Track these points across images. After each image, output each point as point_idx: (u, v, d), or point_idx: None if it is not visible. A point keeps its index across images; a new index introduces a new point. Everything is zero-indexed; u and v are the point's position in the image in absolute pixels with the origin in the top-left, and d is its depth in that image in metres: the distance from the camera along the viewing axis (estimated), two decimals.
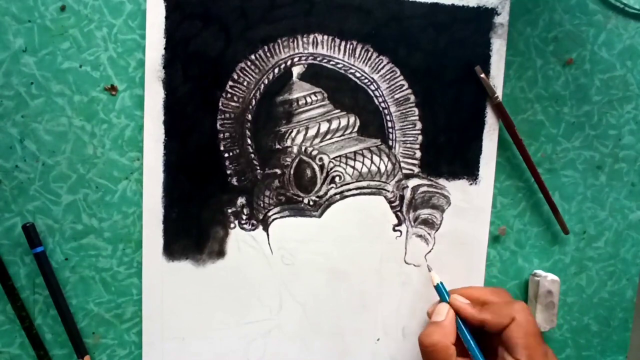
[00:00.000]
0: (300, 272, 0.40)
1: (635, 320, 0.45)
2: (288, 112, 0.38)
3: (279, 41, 0.38)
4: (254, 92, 0.38)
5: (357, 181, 0.39)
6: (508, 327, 0.33)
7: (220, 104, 0.38)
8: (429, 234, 0.41)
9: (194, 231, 0.39)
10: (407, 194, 0.40)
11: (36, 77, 0.37)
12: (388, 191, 0.40)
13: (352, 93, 0.39)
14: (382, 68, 0.39)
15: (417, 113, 0.39)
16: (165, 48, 0.37)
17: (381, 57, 0.39)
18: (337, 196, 0.39)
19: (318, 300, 0.40)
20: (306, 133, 0.39)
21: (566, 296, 0.43)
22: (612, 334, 0.44)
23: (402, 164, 0.40)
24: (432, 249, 0.41)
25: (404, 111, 0.39)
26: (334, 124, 0.39)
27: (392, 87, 0.39)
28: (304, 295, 0.40)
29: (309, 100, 0.38)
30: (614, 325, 0.44)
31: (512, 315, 0.34)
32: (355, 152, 0.39)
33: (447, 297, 0.37)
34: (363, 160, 0.39)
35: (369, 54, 0.38)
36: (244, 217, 0.39)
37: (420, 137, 0.40)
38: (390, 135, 0.39)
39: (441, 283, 0.38)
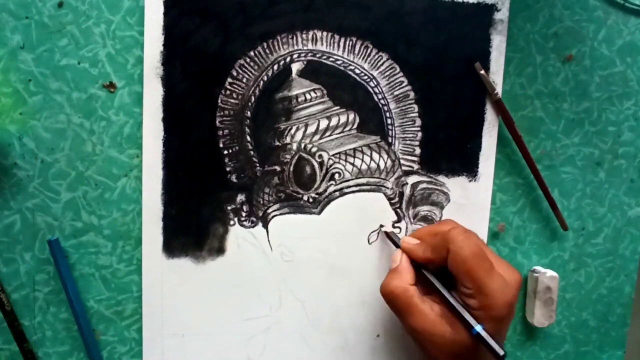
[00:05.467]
0: (299, 269, 0.40)
1: (633, 316, 0.45)
2: (287, 109, 0.38)
3: (278, 37, 0.37)
4: (253, 88, 0.38)
5: (356, 178, 0.39)
6: (448, 259, 0.33)
7: (219, 101, 0.38)
8: None
9: (193, 228, 0.39)
10: (407, 190, 0.40)
11: (34, 74, 0.36)
12: (387, 188, 0.40)
13: (351, 90, 0.39)
14: (382, 64, 0.39)
15: (416, 110, 0.39)
16: (163, 45, 0.37)
17: (381, 53, 0.38)
18: (337, 193, 0.39)
19: (318, 296, 0.40)
20: (305, 130, 0.38)
21: (565, 292, 0.43)
22: (610, 330, 0.44)
23: (402, 161, 0.40)
24: None
25: (403, 108, 0.39)
26: (334, 121, 0.39)
27: (392, 83, 0.39)
28: (303, 292, 0.40)
29: (308, 97, 0.38)
30: (612, 321, 0.44)
31: (447, 246, 0.33)
32: (354, 149, 0.39)
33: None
34: (362, 157, 0.39)
35: (369, 51, 0.38)
36: (244, 214, 0.39)
37: (419, 134, 0.40)
38: (390, 132, 0.39)
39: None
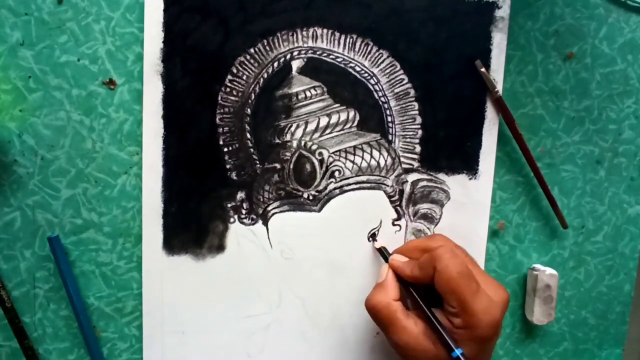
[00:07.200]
0: (299, 267, 0.40)
1: (632, 314, 0.45)
2: (287, 107, 0.38)
3: (279, 35, 0.37)
4: (253, 86, 0.38)
5: (356, 176, 0.39)
6: (434, 278, 0.33)
7: (219, 98, 0.38)
8: (428, 228, 0.41)
9: (193, 226, 0.39)
10: (407, 188, 0.40)
11: (34, 71, 0.36)
12: (387, 186, 0.40)
13: (351, 87, 0.39)
14: (382, 62, 0.38)
15: (416, 107, 0.39)
16: (163, 42, 0.36)
17: (381, 51, 0.38)
18: (337, 191, 0.39)
19: (317, 294, 0.40)
20: (306, 127, 0.38)
21: (564, 290, 0.44)
22: (610, 328, 0.45)
23: (402, 159, 0.40)
24: None
25: (403, 105, 0.39)
26: (334, 118, 0.39)
27: (392, 81, 0.39)
28: (303, 290, 0.40)
29: (308, 94, 0.38)
30: (611, 319, 0.44)
31: (433, 265, 0.33)
32: (354, 147, 0.39)
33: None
34: (363, 154, 0.39)
35: (369, 48, 0.38)
36: (244, 211, 0.39)
37: (419, 132, 0.40)
38: (390, 130, 0.39)
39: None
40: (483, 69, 0.39)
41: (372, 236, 0.40)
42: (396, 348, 0.34)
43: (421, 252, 0.36)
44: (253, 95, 0.38)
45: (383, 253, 0.38)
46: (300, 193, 0.39)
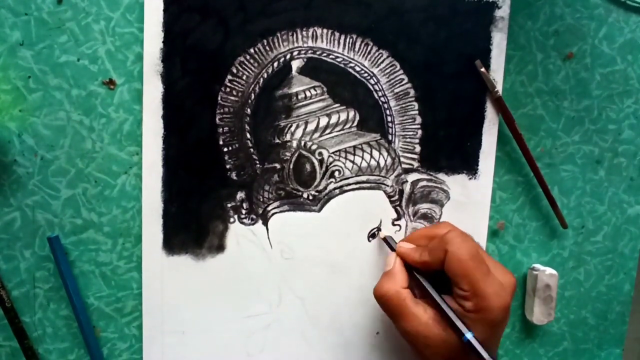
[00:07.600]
0: (299, 267, 0.40)
1: (632, 313, 0.45)
2: (287, 107, 0.38)
3: (278, 35, 0.37)
4: (253, 86, 0.38)
5: (356, 175, 0.39)
6: (445, 261, 0.33)
7: (219, 98, 0.38)
8: None
9: (193, 226, 0.39)
10: (407, 188, 0.40)
11: (34, 71, 0.36)
12: (387, 186, 0.40)
13: (351, 87, 0.39)
14: (382, 62, 0.38)
15: (416, 107, 0.39)
16: (163, 42, 0.36)
17: (381, 51, 0.38)
18: (337, 191, 0.39)
19: (317, 294, 0.41)
20: (305, 127, 0.38)
21: (564, 290, 0.44)
22: (609, 327, 0.45)
23: (402, 159, 0.40)
24: None
25: (403, 105, 0.39)
26: (334, 118, 0.39)
27: (392, 81, 0.39)
28: (303, 290, 0.40)
29: (308, 94, 0.38)
30: (611, 319, 0.45)
31: (444, 248, 0.33)
32: (354, 147, 0.39)
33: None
34: (362, 154, 0.39)
35: (369, 48, 0.38)
36: (244, 211, 0.39)
37: (419, 132, 0.40)
38: (390, 130, 0.39)
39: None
40: (483, 69, 0.39)
41: (372, 236, 0.40)
42: (406, 335, 0.34)
43: (428, 240, 0.36)
44: (253, 95, 0.38)
45: (388, 242, 0.38)
46: (300, 193, 0.39)
